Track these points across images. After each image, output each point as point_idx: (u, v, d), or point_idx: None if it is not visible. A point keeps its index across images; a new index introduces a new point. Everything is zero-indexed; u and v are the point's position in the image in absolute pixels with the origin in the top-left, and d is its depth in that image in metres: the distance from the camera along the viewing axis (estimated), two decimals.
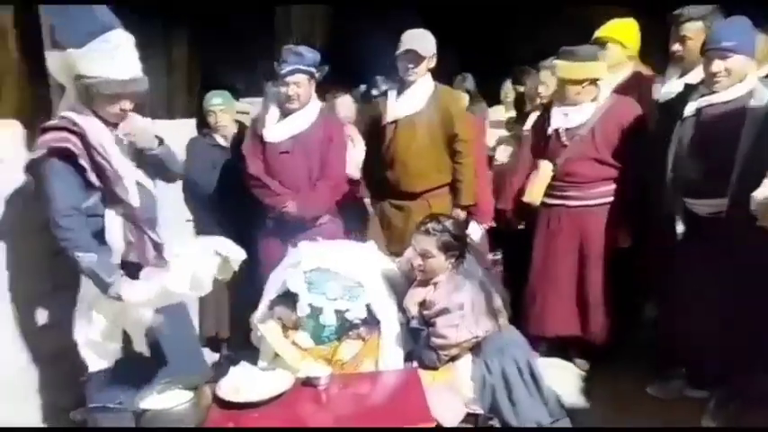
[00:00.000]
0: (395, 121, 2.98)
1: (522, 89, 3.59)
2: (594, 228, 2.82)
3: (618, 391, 2.67)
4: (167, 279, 1.95)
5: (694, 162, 2.35)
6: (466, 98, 3.62)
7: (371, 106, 3.13)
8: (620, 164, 2.79)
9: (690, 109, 2.37)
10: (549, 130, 2.88)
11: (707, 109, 2.34)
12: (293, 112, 2.82)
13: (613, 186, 2.81)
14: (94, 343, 2.04)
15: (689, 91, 2.43)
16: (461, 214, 2.98)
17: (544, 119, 2.96)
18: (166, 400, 1.78)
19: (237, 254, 2.05)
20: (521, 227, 3.14)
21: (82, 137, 1.95)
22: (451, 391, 2.13)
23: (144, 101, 2.14)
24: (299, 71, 2.73)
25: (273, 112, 2.86)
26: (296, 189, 2.81)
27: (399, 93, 3.00)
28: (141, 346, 2.08)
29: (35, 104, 2.69)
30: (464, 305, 2.15)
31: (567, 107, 2.84)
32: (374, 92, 3.76)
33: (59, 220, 1.92)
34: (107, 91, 1.96)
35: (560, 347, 2.99)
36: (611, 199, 2.82)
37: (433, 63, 2.94)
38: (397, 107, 2.98)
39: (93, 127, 1.99)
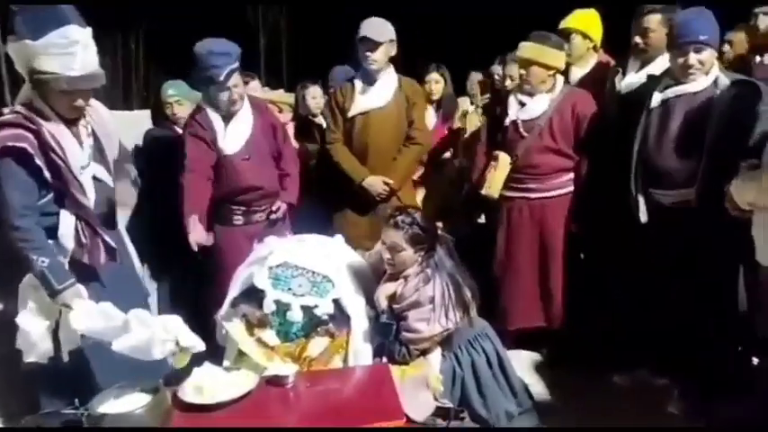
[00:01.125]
0: (364, 113, 2.96)
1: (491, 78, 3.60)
2: (555, 218, 2.85)
3: (583, 380, 2.69)
4: (115, 329, 1.87)
5: (661, 152, 2.38)
6: (440, 85, 3.62)
7: (336, 97, 3.08)
8: (577, 155, 2.82)
9: (656, 100, 2.39)
10: (507, 121, 2.88)
11: (673, 100, 2.37)
12: (233, 117, 2.72)
13: (571, 176, 2.85)
14: (28, 334, 2.00)
15: (652, 82, 2.45)
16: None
17: (500, 110, 2.96)
18: (124, 403, 1.71)
19: (196, 346, 1.91)
20: (480, 220, 3.14)
21: (38, 134, 1.91)
22: (421, 386, 2.10)
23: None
24: (234, 71, 2.60)
25: (217, 120, 2.71)
26: (270, 187, 2.80)
27: (365, 84, 2.99)
28: (65, 354, 2.02)
29: None
30: (434, 298, 2.13)
31: (524, 96, 2.84)
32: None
33: (15, 221, 1.89)
34: (63, 87, 1.91)
35: (525, 338, 3.00)
36: (571, 189, 2.85)
37: (392, 51, 2.95)
38: (366, 99, 2.97)
39: (49, 123, 1.94)
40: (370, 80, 2.98)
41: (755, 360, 2.52)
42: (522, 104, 2.86)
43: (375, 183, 2.96)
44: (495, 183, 2.87)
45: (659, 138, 2.38)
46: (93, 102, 2.14)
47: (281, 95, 3.95)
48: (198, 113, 2.75)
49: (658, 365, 2.66)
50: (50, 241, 1.97)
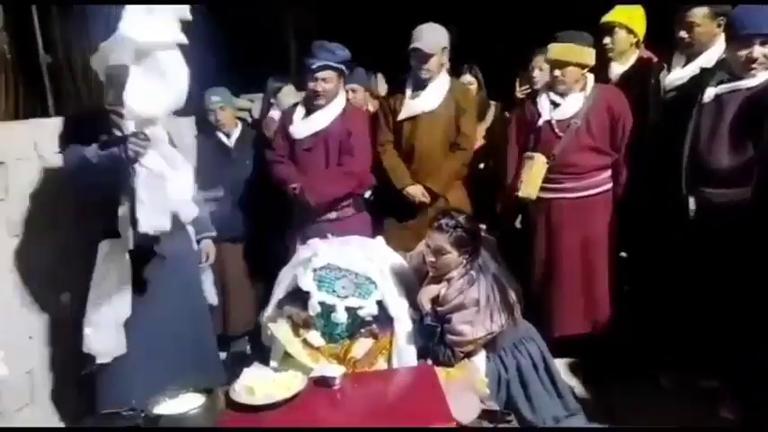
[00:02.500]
0: (412, 117, 2.97)
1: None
2: (595, 217, 2.79)
3: (631, 382, 2.64)
4: None
5: (713, 150, 2.30)
6: (474, 87, 3.60)
7: (388, 100, 3.09)
8: (615, 152, 2.77)
9: (708, 95, 2.32)
10: (540, 122, 2.84)
11: (727, 95, 2.29)
12: (318, 109, 2.83)
13: (609, 173, 2.81)
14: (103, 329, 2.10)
15: (704, 76, 2.38)
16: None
17: (529, 110, 2.92)
18: (179, 404, 1.74)
19: None
20: (517, 225, 3.09)
21: None
22: (467, 388, 2.09)
23: None
24: (328, 67, 2.75)
25: (300, 109, 2.90)
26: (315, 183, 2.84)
27: (416, 89, 2.99)
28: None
29: (31, 105, 2.70)
30: (479, 301, 2.12)
31: (556, 96, 2.81)
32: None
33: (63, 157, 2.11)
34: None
35: (567, 342, 2.95)
36: (609, 186, 2.81)
37: (445, 58, 2.95)
38: (416, 103, 2.97)
39: None
40: (421, 84, 2.97)
41: None
42: (555, 104, 2.82)
43: (415, 191, 2.97)
44: (531, 184, 2.82)
45: (712, 134, 2.31)
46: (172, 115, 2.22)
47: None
48: (289, 109, 3.00)
49: (708, 368, 2.59)
50: None
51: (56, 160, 2.40)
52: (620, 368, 2.70)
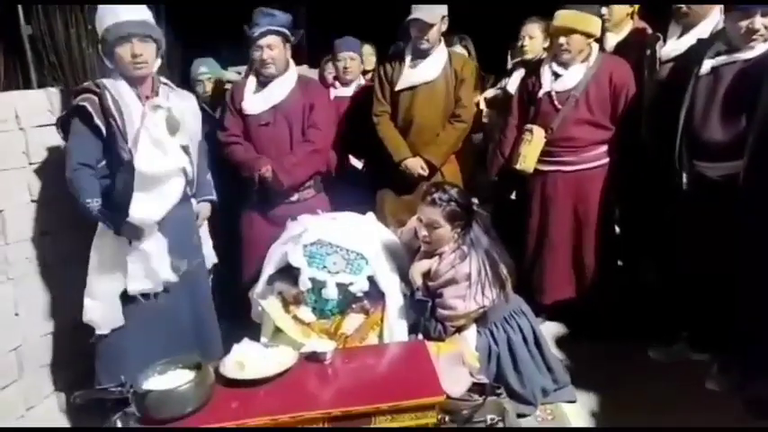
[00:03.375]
0: (411, 88, 2.92)
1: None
2: (591, 190, 2.78)
3: (619, 354, 2.67)
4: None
5: (708, 123, 2.27)
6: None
7: (385, 69, 3.02)
8: (614, 125, 2.74)
9: (705, 67, 2.27)
10: (540, 93, 2.80)
11: (725, 67, 2.25)
12: (270, 81, 2.70)
13: (606, 148, 2.77)
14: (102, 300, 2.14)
15: (701, 47, 2.34)
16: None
17: (531, 81, 2.88)
18: (168, 380, 1.74)
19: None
20: (512, 197, 3.08)
21: (100, 97, 2.07)
22: (457, 362, 2.10)
23: (159, 51, 2.19)
24: (270, 32, 2.60)
25: (251, 82, 2.74)
26: (277, 160, 2.69)
27: (414, 59, 2.94)
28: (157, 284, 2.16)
29: (13, 76, 2.64)
30: (470, 275, 2.12)
31: (558, 67, 2.77)
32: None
33: (69, 173, 2.07)
34: (112, 36, 2.05)
35: (560, 310, 2.97)
36: (607, 161, 2.78)
37: (444, 27, 2.90)
38: (415, 73, 2.93)
39: (118, 89, 2.10)
40: (418, 54, 2.92)
41: None
42: (557, 75, 2.78)
43: (414, 164, 2.93)
44: (529, 157, 2.80)
45: (707, 107, 2.27)
46: (178, 90, 2.32)
47: (305, 71, 3.90)
48: (237, 82, 2.84)
49: (697, 340, 2.62)
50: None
51: (38, 133, 2.35)
52: (609, 340, 2.73)
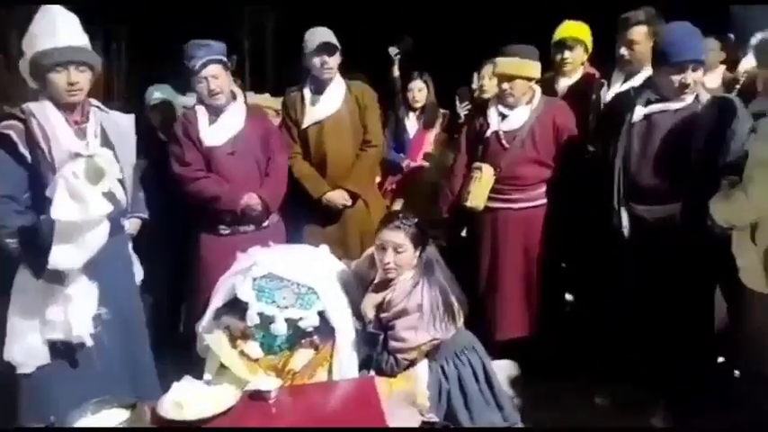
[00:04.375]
0: (317, 122, 2.96)
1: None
2: (539, 228, 2.86)
3: (568, 392, 2.69)
4: None
5: (643, 168, 2.36)
6: (423, 93, 3.61)
7: (287, 109, 3.05)
8: (556, 165, 2.84)
9: (638, 115, 2.38)
10: (488, 133, 2.88)
11: (657, 115, 2.36)
12: (222, 112, 2.69)
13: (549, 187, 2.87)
14: (25, 337, 1.99)
15: (634, 95, 2.43)
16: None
17: (479, 121, 2.96)
18: (101, 420, 1.65)
19: None
20: (462, 234, 3.12)
21: (26, 125, 1.95)
22: (408, 401, 2.08)
23: (94, 77, 2.09)
24: (211, 62, 2.60)
25: (201, 113, 2.70)
26: (254, 187, 2.70)
27: (316, 93, 2.99)
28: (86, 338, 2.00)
29: None
30: (422, 306, 2.12)
31: (504, 108, 2.86)
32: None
33: None
34: (48, 61, 1.95)
35: (510, 347, 2.99)
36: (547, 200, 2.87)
37: (339, 58, 2.96)
38: (318, 109, 2.97)
39: (45, 112, 1.98)
40: (318, 89, 2.97)
41: (737, 373, 2.53)
42: (503, 116, 2.87)
43: (335, 197, 2.96)
44: (479, 194, 2.86)
45: (642, 153, 2.37)
46: (111, 111, 2.21)
47: (267, 99, 3.89)
48: (186, 114, 2.77)
49: (641, 378, 2.66)
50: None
51: None
52: (560, 378, 2.75)
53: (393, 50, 3.90)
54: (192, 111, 2.75)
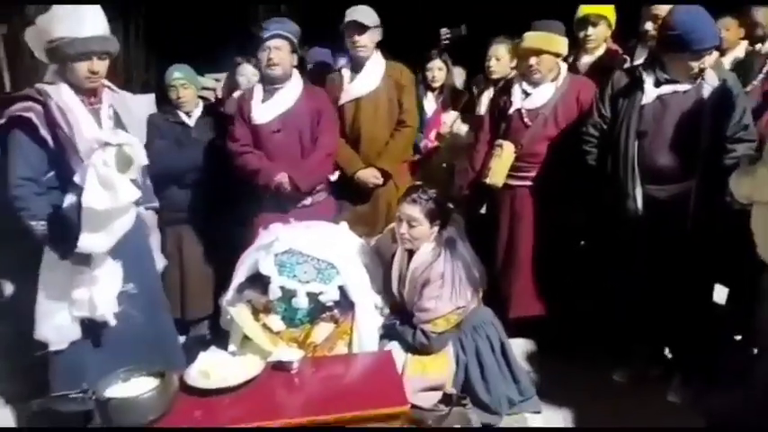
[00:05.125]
0: (354, 100, 2.98)
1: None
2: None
3: (584, 368, 2.70)
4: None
5: (655, 149, 2.35)
6: (443, 72, 3.60)
7: (327, 87, 3.06)
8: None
9: (650, 96, 2.36)
10: (511, 110, 2.86)
11: (668, 96, 2.34)
12: (277, 90, 2.75)
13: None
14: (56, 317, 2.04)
15: (642, 74, 2.39)
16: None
17: (503, 98, 2.94)
18: (131, 387, 1.72)
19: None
20: (482, 211, 3.12)
21: (46, 107, 1.95)
22: (434, 384, 2.14)
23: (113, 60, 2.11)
24: (279, 36, 2.68)
25: (258, 91, 2.79)
26: (291, 166, 2.73)
27: (354, 71, 3.01)
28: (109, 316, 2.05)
29: None
30: (444, 274, 2.16)
31: (528, 86, 2.84)
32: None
33: (12, 190, 1.95)
34: (73, 50, 1.95)
35: (527, 326, 3.01)
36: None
37: (378, 36, 2.97)
38: (355, 86, 3.00)
39: (62, 96, 1.99)
40: (357, 67, 2.99)
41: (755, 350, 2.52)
42: (527, 94, 2.85)
43: (366, 175, 2.99)
44: (499, 172, 2.86)
45: (656, 134, 2.35)
46: (120, 91, 2.23)
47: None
48: (245, 92, 2.89)
49: (657, 355, 2.67)
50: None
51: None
52: (577, 355, 2.77)
53: (444, 32, 3.84)
54: (250, 90, 2.84)
